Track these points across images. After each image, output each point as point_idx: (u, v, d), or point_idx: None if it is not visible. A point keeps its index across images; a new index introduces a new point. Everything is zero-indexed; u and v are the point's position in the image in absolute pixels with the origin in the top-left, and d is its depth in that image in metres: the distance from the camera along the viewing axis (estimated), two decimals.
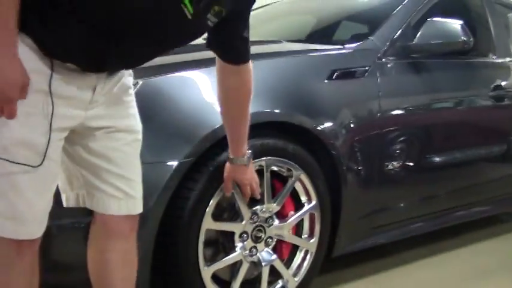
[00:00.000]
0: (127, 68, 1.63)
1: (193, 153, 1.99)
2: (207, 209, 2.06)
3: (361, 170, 2.55)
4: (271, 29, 3.71)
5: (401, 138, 2.77)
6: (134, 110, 1.70)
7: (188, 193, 2.03)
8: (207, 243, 2.18)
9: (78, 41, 1.44)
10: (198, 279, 2.07)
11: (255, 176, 2.04)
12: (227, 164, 1.97)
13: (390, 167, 2.70)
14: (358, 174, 2.52)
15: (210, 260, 2.15)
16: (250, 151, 1.97)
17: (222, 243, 2.23)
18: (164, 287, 2.13)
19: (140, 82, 2.00)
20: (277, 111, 2.22)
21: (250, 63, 1.76)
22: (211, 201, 2.06)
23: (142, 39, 1.47)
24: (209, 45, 1.71)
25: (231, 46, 1.71)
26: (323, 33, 3.38)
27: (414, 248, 3.23)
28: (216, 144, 2.03)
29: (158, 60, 2.04)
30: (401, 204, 2.87)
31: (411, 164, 2.79)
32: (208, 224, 2.07)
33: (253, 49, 2.34)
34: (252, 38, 1.75)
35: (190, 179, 2.04)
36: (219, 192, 2.08)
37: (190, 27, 1.51)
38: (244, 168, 1.98)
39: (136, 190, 1.69)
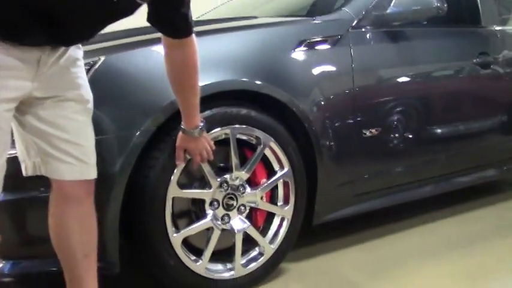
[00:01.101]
0: (63, 45, 1.68)
1: (154, 124, 2.02)
2: (172, 177, 2.08)
3: (335, 139, 2.53)
4: (272, 7, 3.73)
5: (379, 106, 2.75)
6: (83, 81, 1.76)
7: (153, 162, 2.06)
8: (181, 213, 2.21)
9: (12, 19, 1.52)
10: (168, 246, 2.10)
11: (207, 146, 2.06)
12: (179, 133, 2.00)
13: (368, 134, 2.68)
14: (332, 143, 2.51)
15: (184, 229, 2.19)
16: (203, 123, 2.00)
17: (194, 212, 2.25)
18: (135, 254, 2.16)
19: (102, 58, 2.04)
20: (242, 79, 2.23)
21: (194, 37, 1.79)
22: (176, 170, 2.08)
23: (72, 19, 1.55)
24: (149, 20, 1.72)
25: (169, 21, 1.73)
26: (322, 8, 3.33)
27: (404, 216, 3.21)
28: (178, 115, 2.05)
29: (119, 37, 2.13)
30: (383, 172, 2.84)
31: (390, 131, 2.76)
32: (175, 192, 2.10)
33: (226, 24, 2.39)
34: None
35: (155, 149, 2.07)
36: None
37: (119, 7, 1.57)
38: (196, 139, 2.01)
39: (89, 156, 1.75)
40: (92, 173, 1.75)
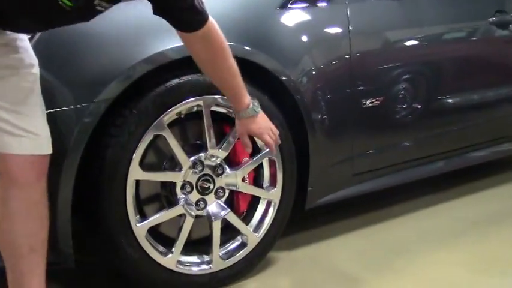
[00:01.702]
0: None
1: (109, 95, 1.70)
2: (133, 158, 1.75)
3: (330, 111, 2.21)
4: None
5: (381, 73, 2.42)
6: (23, 43, 1.51)
7: (110, 140, 1.75)
8: (150, 199, 1.89)
9: None
10: (130, 237, 1.79)
11: (271, 124, 1.89)
12: (236, 121, 1.84)
13: (368, 104, 2.34)
14: (326, 116, 2.19)
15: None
16: (254, 100, 1.82)
17: (165, 197, 1.94)
18: (93, 245, 1.86)
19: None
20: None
21: (210, 23, 1.58)
22: (138, 149, 1.76)
23: (25, 20, 1.44)
24: (155, 13, 1.52)
25: (174, 15, 1.53)
26: None
27: (409, 197, 2.88)
28: (137, 85, 1.73)
29: None
30: (387, 148, 2.50)
31: (394, 101, 2.43)
32: (137, 174, 1.78)
33: None
34: None
35: (112, 125, 1.75)
36: (147, 138, 1.78)
37: (72, 16, 1.42)
38: (254, 118, 1.82)
39: (39, 128, 1.51)
40: (45, 148, 1.51)
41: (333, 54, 2.25)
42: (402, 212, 2.71)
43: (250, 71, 1.94)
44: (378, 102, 2.39)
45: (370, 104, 2.37)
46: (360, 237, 2.46)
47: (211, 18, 1.57)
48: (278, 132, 1.89)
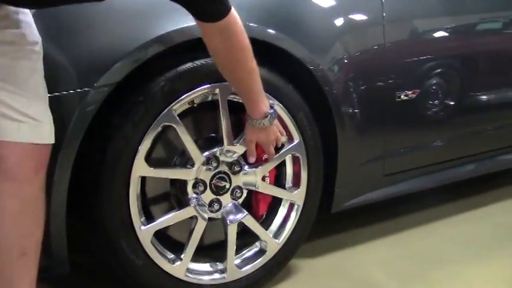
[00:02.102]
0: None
1: (112, 79, 1.47)
2: (138, 151, 1.52)
3: (361, 104, 1.98)
4: None
5: (415, 65, 2.17)
6: (25, 17, 1.32)
7: (111, 131, 1.51)
8: (159, 198, 1.66)
9: None
10: (133, 242, 1.57)
11: (279, 134, 1.71)
12: (247, 125, 1.65)
13: (403, 97, 2.09)
14: (357, 110, 1.96)
15: None
16: (272, 109, 1.63)
17: (174, 196, 1.70)
18: (89, 249, 1.64)
19: None
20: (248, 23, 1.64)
21: (233, 15, 1.41)
22: (144, 141, 1.52)
23: None
24: None
25: (192, 3, 1.38)
26: None
27: (444, 200, 2.61)
28: (144, 68, 1.50)
29: None
30: (422, 146, 2.27)
31: (429, 96, 2.17)
32: (142, 170, 1.55)
33: None
34: None
35: (115, 114, 1.52)
36: (155, 129, 1.54)
37: None
38: (266, 129, 1.64)
39: (40, 113, 1.33)
40: (47, 136, 1.34)
41: (365, 42, 2.01)
42: (434, 217, 2.47)
43: (274, 57, 1.72)
44: (413, 95, 2.14)
45: (405, 97, 2.12)
46: (388, 244, 2.23)
47: (234, 11, 1.41)
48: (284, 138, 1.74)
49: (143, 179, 1.63)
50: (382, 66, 2.05)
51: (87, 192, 1.55)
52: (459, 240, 2.25)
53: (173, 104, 1.57)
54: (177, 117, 1.58)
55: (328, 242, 2.21)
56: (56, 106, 1.41)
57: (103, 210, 1.53)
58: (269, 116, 1.61)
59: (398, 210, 2.50)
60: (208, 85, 1.61)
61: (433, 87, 2.23)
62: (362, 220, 2.40)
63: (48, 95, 1.38)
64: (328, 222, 2.27)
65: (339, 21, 1.94)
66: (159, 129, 1.58)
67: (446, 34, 2.28)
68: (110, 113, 1.53)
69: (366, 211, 2.33)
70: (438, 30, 2.24)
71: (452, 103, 2.30)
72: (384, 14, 2.03)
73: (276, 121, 1.67)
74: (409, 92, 2.14)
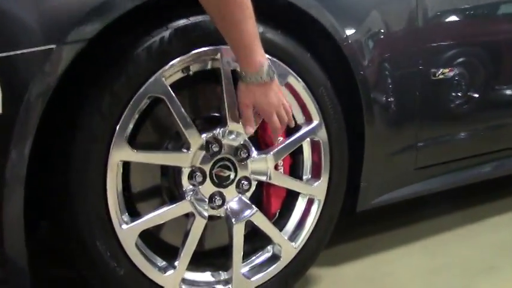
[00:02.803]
0: None
1: (81, 35, 1.13)
2: (117, 129, 1.17)
3: (393, 83, 1.65)
4: None
5: (453, 41, 1.84)
6: None
7: (82, 103, 1.15)
8: (148, 192, 1.31)
9: None
10: (112, 245, 1.21)
11: (283, 99, 1.32)
12: (239, 86, 1.28)
13: (439, 75, 1.74)
14: (387, 88, 1.64)
15: None
16: (268, 62, 1.26)
17: (166, 189, 1.35)
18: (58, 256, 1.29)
19: None
20: None
21: None
22: (124, 117, 1.18)
23: None
24: None
25: None
26: None
27: (484, 199, 2.24)
28: (125, 23, 1.17)
29: None
30: (461, 135, 1.92)
31: (466, 75, 1.82)
32: (122, 153, 1.20)
33: None
34: None
35: (84, 81, 1.17)
36: (139, 102, 1.19)
37: None
38: (266, 87, 1.26)
39: None
40: None
41: (400, 14, 1.68)
42: (469, 219, 2.11)
43: (296, 23, 1.42)
44: (450, 73, 1.80)
45: (441, 76, 1.77)
46: (421, 251, 1.89)
47: None
48: (291, 112, 1.35)
49: (127, 168, 1.28)
50: (418, 42, 1.73)
51: (53, 184, 1.19)
52: (504, 246, 1.87)
53: (162, 69, 1.21)
54: (168, 87, 1.23)
55: (353, 246, 1.89)
56: (7, 69, 1.06)
57: (73, 205, 1.18)
58: (267, 67, 1.25)
59: (430, 210, 2.15)
60: (206, 48, 1.26)
61: (471, 67, 1.88)
62: (390, 221, 2.06)
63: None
64: (352, 224, 1.91)
65: None
66: (146, 101, 1.22)
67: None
68: (78, 79, 1.17)
69: (394, 211, 1.98)
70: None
71: (494, 87, 1.95)
72: None
73: (279, 88, 1.31)
74: (446, 70, 1.80)
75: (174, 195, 1.37)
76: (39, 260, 1.37)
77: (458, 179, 2.02)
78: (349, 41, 1.52)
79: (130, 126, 1.23)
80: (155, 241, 1.37)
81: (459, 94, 1.84)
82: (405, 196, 1.84)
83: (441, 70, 1.79)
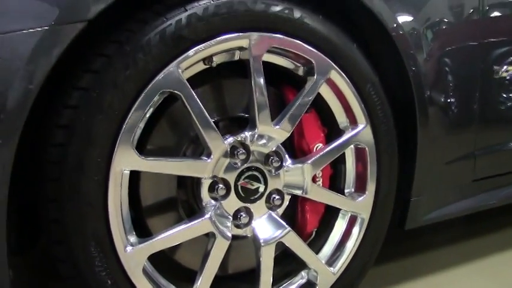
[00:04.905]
0: None
1: (80, 16, 0.89)
2: (122, 132, 0.93)
3: (451, 83, 1.38)
4: None
5: None
6: None
7: (78, 97, 0.92)
8: (159, 207, 1.08)
9: None
10: (114, 270, 0.98)
11: None
12: None
13: (503, 73, 1.48)
14: (445, 90, 1.37)
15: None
16: None
17: (184, 203, 1.11)
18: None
19: None
20: None
21: None
22: (130, 116, 0.94)
23: None
24: None
25: None
26: None
27: None
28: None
29: None
30: None
31: None
32: (128, 161, 0.96)
33: None
34: None
35: (83, 71, 0.93)
36: (150, 97, 0.95)
37: None
38: None
39: None
40: None
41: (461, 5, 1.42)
42: None
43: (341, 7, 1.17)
44: None
45: (505, 74, 1.50)
46: (483, 271, 1.61)
47: None
48: None
49: (135, 177, 1.04)
50: (479, 35, 1.45)
51: (43, 196, 0.96)
52: None
53: (178, 59, 0.97)
54: (185, 81, 0.98)
55: (400, 266, 1.63)
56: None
57: (67, 223, 0.94)
58: None
59: (491, 222, 1.87)
60: (233, 34, 1.01)
61: None
62: (444, 235, 1.80)
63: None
64: (399, 238, 1.65)
65: None
66: (157, 99, 0.98)
67: None
68: (75, 69, 0.94)
69: (448, 223, 1.71)
70: None
71: None
72: None
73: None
74: (511, 68, 1.52)
75: (193, 210, 1.14)
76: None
77: None
78: (402, 31, 1.25)
79: (139, 127, 0.99)
80: (167, 263, 1.13)
81: None
82: (461, 212, 1.60)
83: (505, 67, 1.52)
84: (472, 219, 1.73)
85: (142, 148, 1.05)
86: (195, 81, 1.07)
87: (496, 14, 1.53)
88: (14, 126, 0.88)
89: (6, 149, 0.89)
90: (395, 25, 1.25)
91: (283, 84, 1.22)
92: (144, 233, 1.09)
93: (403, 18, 1.28)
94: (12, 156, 0.89)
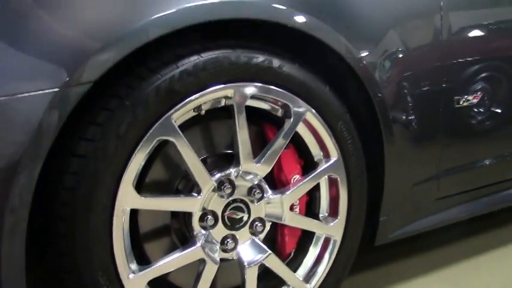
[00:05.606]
0: None
1: (86, 77, 1.02)
2: (124, 175, 1.07)
3: (414, 111, 1.51)
4: None
5: (476, 64, 1.69)
6: None
7: (85, 147, 1.06)
8: (154, 232, 1.22)
9: None
10: None
11: None
12: None
13: (463, 103, 1.63)
14: (409, 118, 1.51)
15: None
16: None
17: (177, 231, 1.25)
18: None
19: None
20: (273, 5, 1.20)
21: None
22: (131, 162, 1.07)
23: None
24: None
25: None
26: None
27: (495, 223, 2.12)
28: (132, 62, 1.06)
29: None
30: (485, 162, 1.78)
31: (492, 102, 1.70)
32: (130, 200, 1.09)
33: None
34: None
35: (89, 124, 1.06)
36: (148, 145, 1.09)
37: None
38: None
39: None
40: None
41: (419, 35, 1.54)
42: (501, 243, 1.96)
43: (308, 49, 1.29)
44: (474, 100, 1.67)
45: (465, 103, 1.64)
46: (445, 280, 1.75)
47: None
48: None
49: (135, 210, 1.18)
50: (440, 65, 1.58)
51: (53, 234, 1.09)
52: None
53: (172, 111, 1.11)
54: (178, 129, 1.12)
55: (369, 276, 1.76)
56: (8, 112, 0.96)
57: (75, 256, 1.08)
58: None
59: (449, 235, 2.02)
60: (219, 86, 1.16)
61: (499, 91, 1.75)
62: (408, 247, 1.92)
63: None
64: (368, 251, 1.80)
65: (389, 9, 1.46)
66: (154, 144, 1.12)
67: None
68: (83, 122, 1.08)
69: (412, 236, 1.86)
70: (507, 22, 1.76)
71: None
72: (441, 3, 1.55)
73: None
74: (470, 97, 1.67)
75: (185, 237, 1.27)
76: None
77: (481, 206, 1.89)
78: (364, 63, 1.37)
79: (138, 169, 1.13)
80: (163, 284, 1.27)
81: (479, 122, 1.71)
82: (425, 228, 1.72)
83: (465, 97, 1.66)
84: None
85: (140, 185, 1.18)
86: (186, 124, 1.20)
87: (457, 44, 1.64)
88: (31, 175, 1.01)
89: (27, 192, 1.02)
90: (357, 59, 1.35)
91: (264, 122, 1.36)
92: (142, 258, 1.23)
93: (364, 53, 1.38)
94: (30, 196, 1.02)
